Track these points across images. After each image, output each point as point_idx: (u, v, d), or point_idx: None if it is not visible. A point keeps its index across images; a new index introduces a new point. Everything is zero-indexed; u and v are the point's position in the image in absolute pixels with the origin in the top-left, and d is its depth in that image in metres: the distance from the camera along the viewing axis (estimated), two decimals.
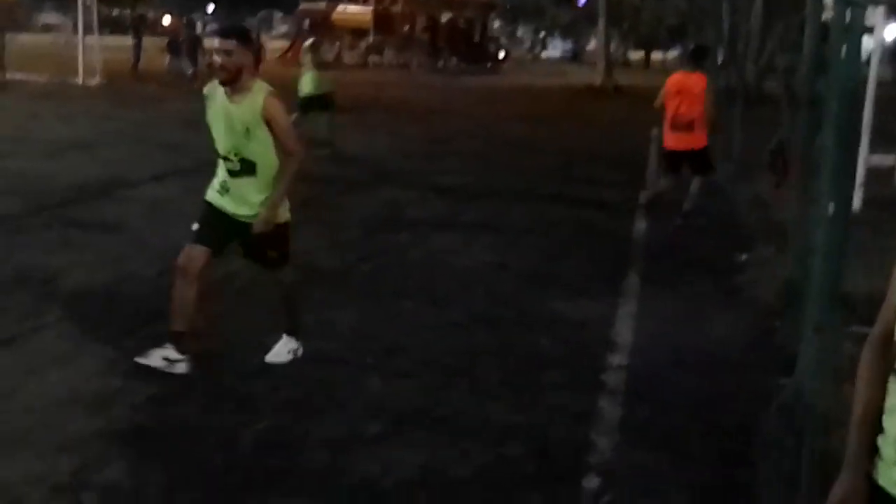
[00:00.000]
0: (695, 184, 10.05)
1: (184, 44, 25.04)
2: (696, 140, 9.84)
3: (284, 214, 5.53)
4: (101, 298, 6.63)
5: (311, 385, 5.29)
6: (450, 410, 5.03)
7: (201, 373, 5.34)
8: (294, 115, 12.25)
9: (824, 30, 6.20)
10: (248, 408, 4.94)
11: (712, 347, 6.30)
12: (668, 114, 9.88)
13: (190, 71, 23.71)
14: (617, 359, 5.94)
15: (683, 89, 9.76)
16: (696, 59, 10.30)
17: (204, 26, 29.05)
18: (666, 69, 53.40)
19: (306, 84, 13.80)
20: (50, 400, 4.89)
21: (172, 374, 5.24)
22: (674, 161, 10.07)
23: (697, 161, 9.97)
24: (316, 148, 12.52)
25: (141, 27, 28.25)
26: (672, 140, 9.97)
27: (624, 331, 6.49)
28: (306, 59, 14.14)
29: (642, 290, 7.58)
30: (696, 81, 9.80)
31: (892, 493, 2.07)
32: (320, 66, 14.12)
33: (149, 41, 30.40)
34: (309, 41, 14.50)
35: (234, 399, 5.05)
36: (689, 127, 9.76)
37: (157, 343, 5.67)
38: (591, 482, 4.29)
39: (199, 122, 12.00)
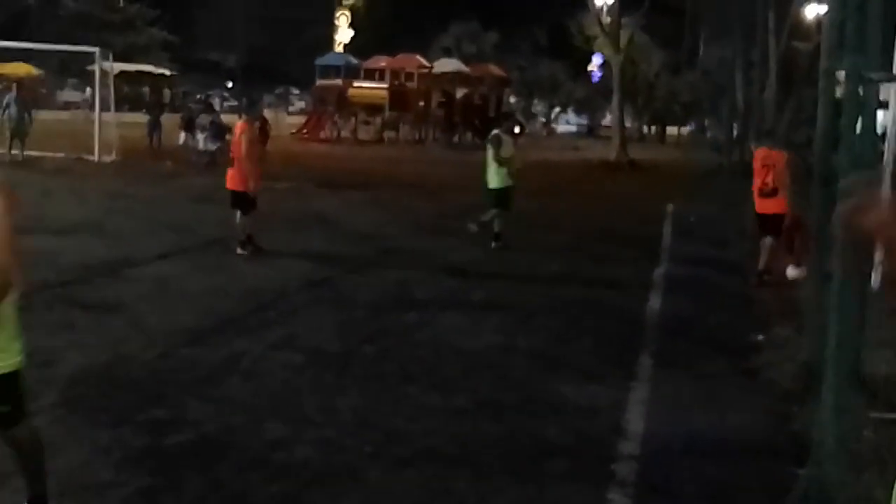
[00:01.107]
0: (767, 243, 10.94)
1: (200, 122, 25.14)
2: (778, 205, 10.78)
3: (10, 361, 4.21)
4: (99, 382, 6.46)
5: (307, 477, 5.08)
6: (451, 502, 4.81)
7: (195, 464, 5.15)
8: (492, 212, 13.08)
9: (838, 105, 6.10)
10: (242, 501, 4.75)
11: (728, 434, 6.08)
12: (756, 183, 11.02)
13: (214, 148, 23.66)
14: (628, 447, 5.72)
15: (768, 162, 10.93)
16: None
17: (221, 103, 29.29)
18: (680, 144, 53.77)
19: (493, 178, 13.24)
20: None
21: (165, 466, 5.06)
22: (761, 224, 11.13)
23: (774, 224, 10.85)
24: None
25: (159, 105, 28.48)
26: (759, 205, 11.05)
27: (635, 417, 6.27)
28: (489, 152, 13.33)
29: (655, 373, 7.37)
30: (779, 156, 10.98)
31: None
32: (503, 160, 13.16)
33: (166, 118, 30.72)
34: (493, 133, 13.67)
35: (228, 493, 4.85)
36: (772, 194, 10.83)
37: (154, 429, 5.53)
38: None
39: (209, 199, 12.00)
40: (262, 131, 12.33)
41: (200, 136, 24.59)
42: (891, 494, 1.97)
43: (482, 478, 5.15)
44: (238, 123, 12.40)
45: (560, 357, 7.76)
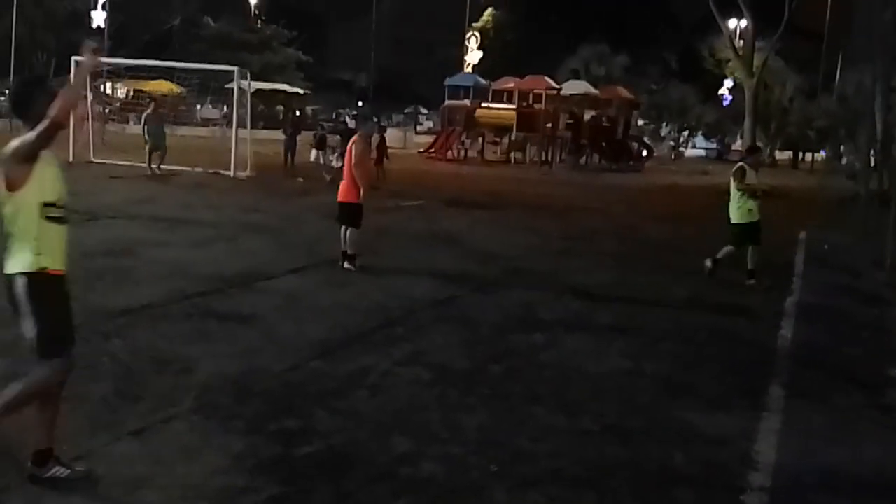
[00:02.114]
0: None
1: (331, 141, 25.62)
2: None
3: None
4: (232, 391, 6.66)
5: (433, 493, 5.14)
6: None
7: (324, 474, 5.27)
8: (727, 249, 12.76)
9: None
10: None
11: (862, 469, 5.89)
12: None
13: (339, 164, 24.16)
14: (758, 479, 5.60)
15: None
16: None
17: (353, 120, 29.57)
18: (814, 171, 52.33)
19: (735, 213, 12.56)
20: (174, 494, 4.89)
21: (295, 475, 5.19)
22: None
23: None
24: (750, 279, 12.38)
25: (295, 124, 29.08)
26: None
27: (765, 448, 6.13)
28: (733, 184, 12.62)
29: (786, 404, 7.20)
30: None
31: None
32: (751, 193, 12.41)
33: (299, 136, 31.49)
34: (737, 166, 12.93)
35: (356, 503, 4.94)
36: None
37: (284, 439, 5.68)
38: None
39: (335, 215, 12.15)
40: (379, 149, 12.37)
41: (332, 155, 25.09)
42: None
43: (606, 502, 5.12)
44: (353, 138, 12.62)
45: (687, 384, 7.65)
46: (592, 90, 48.51)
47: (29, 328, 4.70)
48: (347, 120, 45.24)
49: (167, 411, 6.14)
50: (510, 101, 44.84)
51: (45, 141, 4.58)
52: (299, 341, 8.17)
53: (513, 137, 43.15)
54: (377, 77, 75.48)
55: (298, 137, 28.16)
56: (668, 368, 8.06)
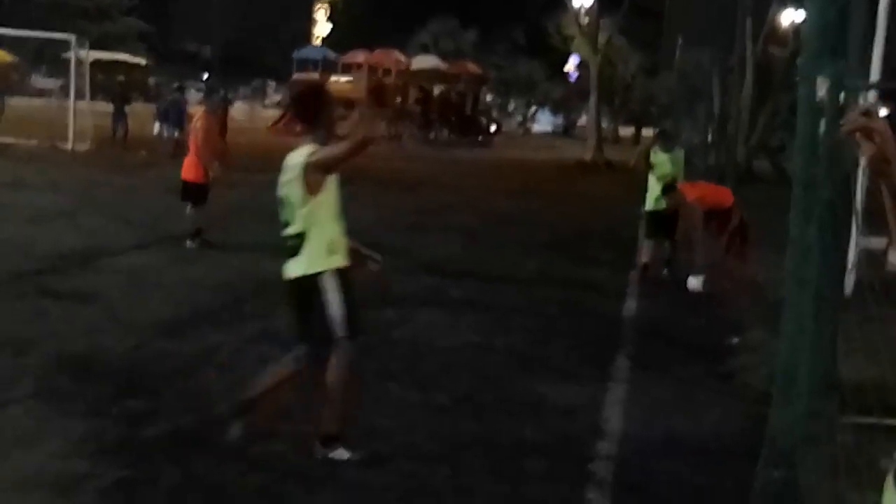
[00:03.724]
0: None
1: (170, 109, 24.72)
2: None
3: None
4: (73, 373, 6.39)
5: (285, 470, 5.06)
6: (430, 501, 4.81)
7: (171, 456, 5.11)
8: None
9: (816, 112, 6.13)
10: (218, 494, 4.72)
11: (703, 436, 6.09)
12: None
13: (175, 135, 23.36)
14: (605, 447, 5.73)
15: None
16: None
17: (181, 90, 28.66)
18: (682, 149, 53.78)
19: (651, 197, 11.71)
20: (11, 483, 4.65)
21: (142, 457, 5.03)
22: None
23: None
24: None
25: (125, 94, 27.89)
26: None
27: (613, 417, 6.28)
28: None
29: (632, 374, 7.39)
30: None
31: None
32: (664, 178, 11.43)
33: (141, 107, 30.50)
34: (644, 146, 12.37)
35: (204, 484, 4.82)
36: None
37: (130, 420, 5.51)
38: None
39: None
40: (222, 122, 12.01)
41: (164, 124, 24.30)
42: (865, 497, 2.00)
43: (461, 476, 5.14)
44: (198, 113, 12.31)
45: (537, 357, 7.77)
46: (442, 65, 48.74)
47: (336, 317, 5.13)
48: (189, 93, 44.10)
49: (1, 396, 5.85)
50: (360, 75, 44.63)
51: (352, 156, 5.11)
52: (144, 320, 7.91)
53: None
54: (224, 49, 73.90)
55: (128, 108, 27.11)
56: (519, 342, 8.16)
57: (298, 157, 5.20)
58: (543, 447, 5.68)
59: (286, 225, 5.31)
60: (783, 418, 5.81)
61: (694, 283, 10.78)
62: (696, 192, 11.33)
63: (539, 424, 6.07)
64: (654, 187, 11.61)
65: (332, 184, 5.28)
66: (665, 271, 11.60)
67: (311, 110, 5.40)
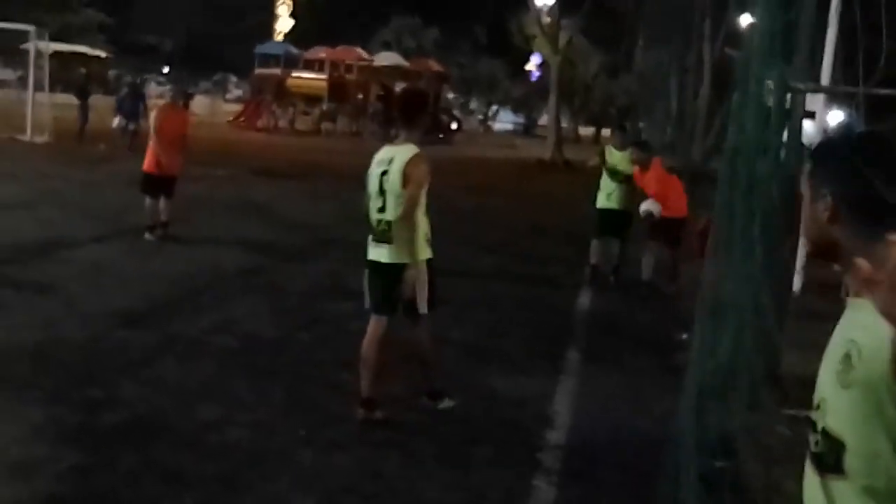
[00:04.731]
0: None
1: (125, 101, 24.51)
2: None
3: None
4: (31, 362, 6.47)
5: (241, 457, 5.19)
6: (381, 486, 4.95)
7: (129, 443, 5.22)
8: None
9: (767, 114, 6.33)
10: (175, 480, 4.82)
11: (650, 426, 6.28)
12: None
13: (131, 127, 23.17)
14: (554, 437, 5.91)
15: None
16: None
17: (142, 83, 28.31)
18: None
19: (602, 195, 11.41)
20: None
21: (99, 444, 5.14)
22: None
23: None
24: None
25: (87, 87, 27.67)
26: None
27: (562, 409, 6.46)
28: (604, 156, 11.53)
29: (583, 367, 7.59)
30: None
31: None
32: (618, 175, 11.19)
33: (101, 100, 30.25)
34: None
35: (161, 470, 4.93)
36: None
37: (88, 408, 5.60)
38: None
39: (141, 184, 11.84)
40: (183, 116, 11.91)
41: (120, 119, 24.09)
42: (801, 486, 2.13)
43: (411, 462, 5.29)
44: (159, 105, 12.30)
45: (491, 350, 7.94)
46: (404, 62, 48.75)
47: (422, 298, 5.81)
48: (151, 86, 43.81)
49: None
50: (322, 71, 44.59)
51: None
52: (103, 311, 7.98)
53: (324, 108, 42.94)
54: (185, 42, 73.42)
55: (90, 101, 26.90)
56: (474, 335, 8.32)
57: (399, 153, 5.83)
58: (493, 436, 5.85)
59: (378, 210, 5.85)
60: (725, 410, 6.03)
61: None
62: (654, 186, 10.74)
63: (490, 414, 6.24)
64: (606, 185, 11.33)
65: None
66: (611, 277, 11.32)
67: (414, 114, 6.08)
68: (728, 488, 5.10)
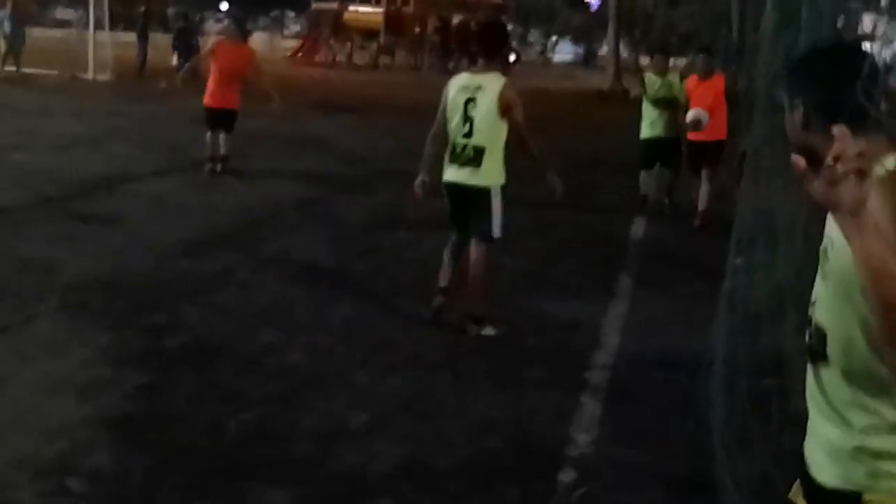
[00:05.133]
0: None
1: (179, 39, 24.74)
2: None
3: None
4: (99, 290, 6.73)
5: (300, 378, 5.38)
6: (433, 404, 5.12)
7: (191, 364, 5.44)
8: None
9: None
10: (236, 399, 5.03)
11: (699, 349, 6.35)
12: None
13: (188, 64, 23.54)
14: (603, 358, 6.02)
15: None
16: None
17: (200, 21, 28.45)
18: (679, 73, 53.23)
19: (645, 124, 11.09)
20: (41, 387, 4.98)
21: (163, 366, 5.37)
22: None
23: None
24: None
25: (147, 25, 27.93)
26: None
27: (612, 332, 6.57)
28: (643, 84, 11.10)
29: (634, 293, 7.66)
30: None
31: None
32: (660, 102, 10.79)
33: (161, 38, 30.51)
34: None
35: (223, 390, 5.14)
36: None
37: (152, 333, 5.84)
38: (568, 475, 4.37)
39: (203, 119, 12.05)
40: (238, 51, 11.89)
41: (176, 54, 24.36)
42: None
43: (463, 382, 5.45)
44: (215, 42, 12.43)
45: (544, 276, 8.05)
46: None
47: (496, 222, 6.24)
48: (206, 23, 44.00)
49: (31, 310, 6.19)
50: (379, 5, 44.39)
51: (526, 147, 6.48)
52: (166, 241, 8.22)
53: (381, 41, 42.83)
54: None
55: (150, 39, 27.15)
56: (527, 262, 8.42)
57: (489, 82, 6.06)
58: (543, 358, 5.98)
59: (464, 136, 6.14)
60: (777, 333, 6.08)
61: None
62: (710, 99, 10.24)
63: (541, 337, 6.37)
64: (648, 113, 10.98)
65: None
66: (666, 201, 11.13)
67: (496, 44, 6.33)
68: (776, 409, 5.18)
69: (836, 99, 1.99)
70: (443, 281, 6.42)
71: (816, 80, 2.14)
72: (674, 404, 5.27)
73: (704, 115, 9.94)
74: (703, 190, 10.28)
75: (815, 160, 2.04)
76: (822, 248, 2.11)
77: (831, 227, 2.01)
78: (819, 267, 2.13)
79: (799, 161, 1.75)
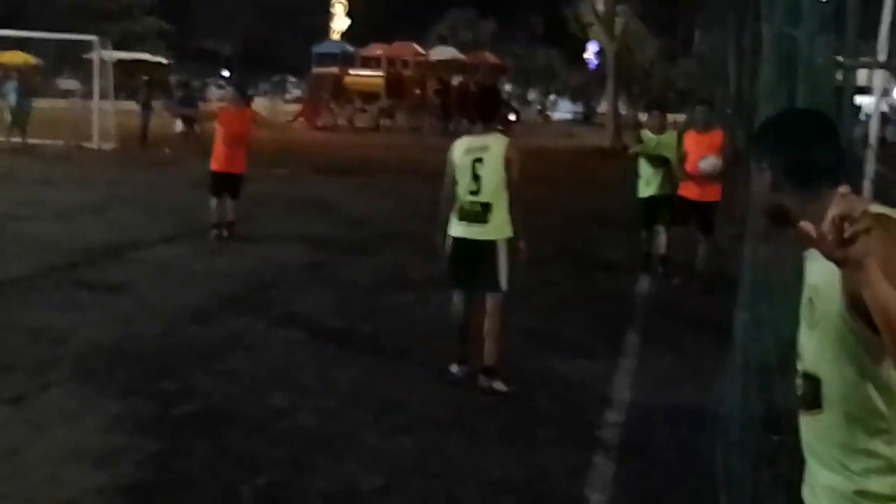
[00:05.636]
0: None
1: (180, 105, 25.18)
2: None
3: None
4: (107, 357, 6.76)
5: (311, 441, 5.40)
6: (445, 464, 5.12)
7: (202, 431, 5.45)
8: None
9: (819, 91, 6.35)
10: (248, 464, 5.04)
11: (707, 405, 6.35)
12: None
13: (192, 129, 23.99)
14: (613, 416, 6.03)
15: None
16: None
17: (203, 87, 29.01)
18: (678, 131, 53.57)
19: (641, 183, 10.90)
20: (56, 456, 5.01)
21: (175, 432, 5.38)
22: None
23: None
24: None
25: (149, 94, 28.28)
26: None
27: (621, 389, 6.58)
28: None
29: (642, 349, 7.68)
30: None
31: None
32: (654, 160, 10.65)
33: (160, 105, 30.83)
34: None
35: (235, 455, 5.15)
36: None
37: (163, 399, 5.85)
38: None
39: (207, 184, 12.14)
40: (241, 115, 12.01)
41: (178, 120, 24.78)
42: None
43: (474, 441, 5.46)
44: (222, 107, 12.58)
45: (550, 333, 8.07)
46: (460, 56, 48.93)
47: (503, 274, 6.43)
48: (209, 90, 44.47)
49: (43, 379, 6.21)
50: (378, 68, 44.95)
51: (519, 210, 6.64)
52: (173, 307, 8.27)
53: (382, 104, 43.26)
54: (243, 45, 74.28)
55: (153, 106, 27.47)
56: (534, 320, 8.44)
57: (494, 142, 6.43)
58: (554, 416, 5.99)
59: (471, 193, 6.40)
60: (785, 387, 6.08)
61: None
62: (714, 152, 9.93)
63: (551, 395, 6.38)
64: (644, 172, 10.74)
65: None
66: (660, 268, 10.62)
67: (491, 109, 6.63)
68: (783, 465, 5.17)
69: (807, 161, 2.13)
70: (463, 350, 6.65)
71: (783, 144, 2.25)
72: (686, 461, 5.27)
73: (717, 161, 9.77)
74: (701, 250, 10.15)
75: (782, 219, 2.18)
76: (804, 300, 2.19)
77: (814, 278, 2.10)
78: (802, 320, 2.20)
79: (807, 227, 1.82)
